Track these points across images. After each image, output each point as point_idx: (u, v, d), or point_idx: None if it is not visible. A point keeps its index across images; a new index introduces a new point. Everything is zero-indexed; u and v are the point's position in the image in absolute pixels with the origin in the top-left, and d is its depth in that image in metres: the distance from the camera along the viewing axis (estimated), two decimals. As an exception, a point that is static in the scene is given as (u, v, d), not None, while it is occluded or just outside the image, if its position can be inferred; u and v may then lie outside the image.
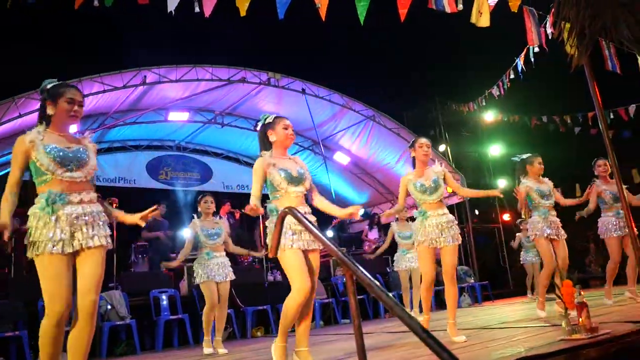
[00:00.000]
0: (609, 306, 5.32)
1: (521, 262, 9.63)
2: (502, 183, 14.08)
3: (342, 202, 14.20)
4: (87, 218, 2.76)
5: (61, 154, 2.76)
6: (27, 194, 2.78)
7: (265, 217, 3.33)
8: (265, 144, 3.42)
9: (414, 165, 4.34)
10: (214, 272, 5.29)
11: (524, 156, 5.43)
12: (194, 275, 5.36)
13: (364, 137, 12.26)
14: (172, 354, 6.20)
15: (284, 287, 7.99)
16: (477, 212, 14.49)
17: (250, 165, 12.78)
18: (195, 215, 5.54)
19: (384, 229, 11.81)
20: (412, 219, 4.42)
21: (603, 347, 2.75)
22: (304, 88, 10.61)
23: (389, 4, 5.25)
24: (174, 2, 4.81)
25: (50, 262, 2.61)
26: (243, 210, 3.29)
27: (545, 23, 6.56)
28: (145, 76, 9.00)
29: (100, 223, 2.82)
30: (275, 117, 3.44)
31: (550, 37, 6.52)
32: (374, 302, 9.21)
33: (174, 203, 11.06)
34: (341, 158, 13.00)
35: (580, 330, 2.98)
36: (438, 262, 4.21)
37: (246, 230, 10.99)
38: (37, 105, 3.08)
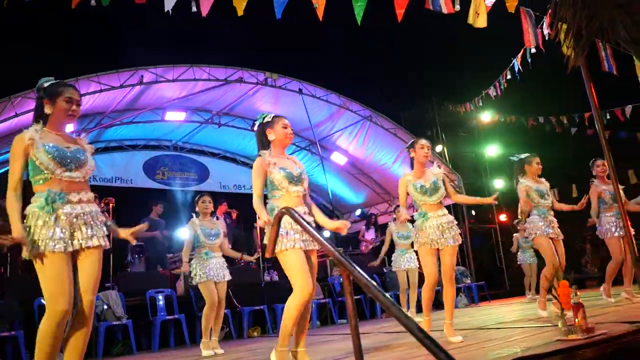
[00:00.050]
0: (605, 306, 5.32)
1: (518, 263, 9.65)
2: (498, 183, 14.09)
3: (339, 202, 14.22)
4: (86, 218, 2.76)
5: (61, 153, 2.74)
6: (24, 193, 2.76)
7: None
8: (264, 143, 3.41)
9: (411, 166, 4.31)
10: (213, 272, 5.27)
11: (523, 156, 5.43)
12: (192, 275, 5.32)
13: (361, 137, 12.27)
14: (169, 354, 6.19)
15: (281, 287, 8.05)
16: (473, 212, 14.48)
17: (247, 165, 12.81)
18: (194, 215, 5.51)
19: (381, 229, 11.83)
20: (410, 219, 4.39)
21: (599, 347, 2.75)
22: (301, 88, 10.61)
23: (386, 5, 5.25)
24: (171, 1, 4.80)
25: (51, 260, 2.59)
26: (259, 218, 3.24)
27: (542, 24, 6.58)
28: (142, 76, 8.98)
29: (98, 223, 2.82)
30: (274, 116, 3.43)
31: (547, 38, 6.54)
32: (370, 302, 9.22)
33: (171, 203, 11.04)
34: (338, 158, 13.01)
35: (576, 330, 2.99)
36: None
37: (243, 230, 10.99)
38: (34, 105, 3.05)
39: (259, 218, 3.19)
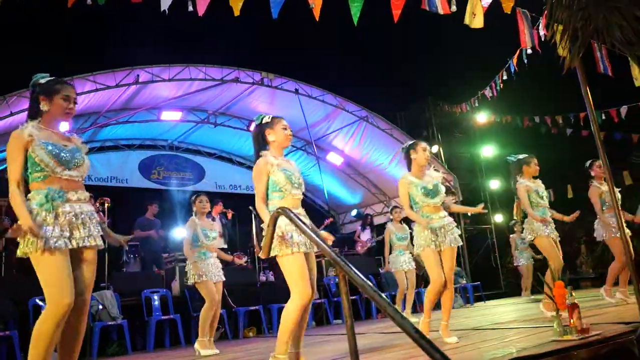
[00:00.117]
0: (602, 307, 5.34)
1: (515, 264, 9.66)
2: (494, 184, 14.13)
3: (335, 203, 14.22)
4: (83, 217, 2.75)
5: (59, 152, 2.73)
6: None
7: (258, 218, 3.30)
8: (261, 144, 3.35)
9: (408, 168, 4.28)
10: (211, 272, 5.27)
11: (520, 156, 5.42)
12: (189, 275, 5.29)
13: (357, 137, 12.27)
14: (164, 354, 6.18)
15: (277, 288, 8.04)
16: (469, 213, 14.50)
17: (243, 165, 12.80)
18: (194, 214, 5.49)
19: (377, 229, 11.84)
20: (405, 220, 4.38)
21: (594, 348, 2.76)
22: (297, 88, 10.61)
23: (383, 5, 5.26)
24: (168, 0, 4.79)
25: (52, 256, 2.56)
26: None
27: (538, 25, 6.60)
28: (138, 75, 8.96)
29: (94, 223, 2.82)
30: (273, 117, 3.38)
31: (542, 39, 6.55)
32: (366, 302, 9.21)
33: (167, 203, 11.00)
34: (334, 158, 13.01)
35: (571, 331, 3.00)
36: None
37: (238, 230, 10.96)
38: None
39: (258, 219, 3.17)
